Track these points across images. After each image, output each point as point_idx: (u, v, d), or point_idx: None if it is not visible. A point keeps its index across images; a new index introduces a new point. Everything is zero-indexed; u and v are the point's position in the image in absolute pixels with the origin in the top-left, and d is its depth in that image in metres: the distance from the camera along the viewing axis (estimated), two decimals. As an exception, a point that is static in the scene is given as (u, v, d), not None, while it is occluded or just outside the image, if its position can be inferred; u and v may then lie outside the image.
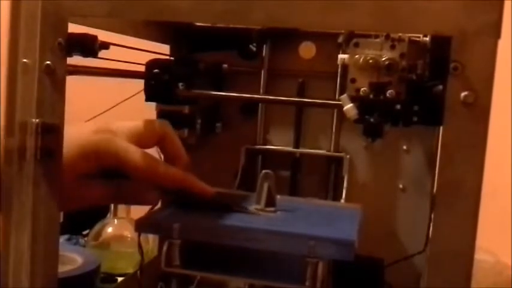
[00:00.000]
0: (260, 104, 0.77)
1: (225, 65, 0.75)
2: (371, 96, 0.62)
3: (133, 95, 0.74)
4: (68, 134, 0.43)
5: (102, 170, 0.49)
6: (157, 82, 0.68)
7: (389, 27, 0.41)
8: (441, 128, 0.36)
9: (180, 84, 0.68)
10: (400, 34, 0.62)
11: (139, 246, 0.51)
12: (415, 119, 0.61)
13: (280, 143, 0.78)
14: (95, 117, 0.78)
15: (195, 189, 0.51)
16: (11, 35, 0.39)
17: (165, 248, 0.46)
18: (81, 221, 0.96)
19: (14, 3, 0.39)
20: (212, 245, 0.46)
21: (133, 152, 0.49)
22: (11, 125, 0.39)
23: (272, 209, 0.52)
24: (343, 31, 0.69)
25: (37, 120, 0.39)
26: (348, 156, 0.74)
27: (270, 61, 0.76)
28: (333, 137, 0.75)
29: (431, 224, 0.39)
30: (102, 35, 0.54)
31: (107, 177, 0.50)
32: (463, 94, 0.34)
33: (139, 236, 0.51)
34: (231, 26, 0.70)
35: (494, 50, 0.34)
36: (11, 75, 0.39)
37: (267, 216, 0.51)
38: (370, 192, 0.75)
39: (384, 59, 0.62)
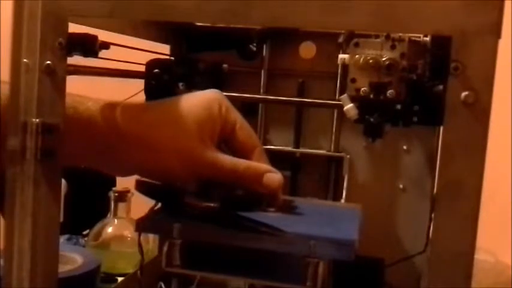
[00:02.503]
0: (260, 104, 0.77)
1: (225, 65, 0.75)
2: (371, 96, 0.62)
3: (134, 95, 0.74)
4: (188, 98, 0.48)
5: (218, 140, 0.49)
6: (158, 82, 0.68)
7: (389, 27, 0.41)
8: (441, 128, 0.36)
9: (180, 84, 0.68)
10: (400, 34, 0.62)
11: (140, 246, 0.51)
12: (415, 119, 0.61)
13: (280, 143, 0.78)
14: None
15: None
16: (14, 35, 0.39)
17: (165, 248, 0.45)
18: (81, 220, 0.96)
19: (16, 3, 0.39)
20: (212, 245, 0.46)
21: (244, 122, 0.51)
22: (14, 124, 0.39)
23: (272, 209, 0.52)
24: (343, 31, 0.69)
25: (37, 120, 0.39)
26: (348, 156, 0.74)
27: (270, 61, 0.76)
28: (333, 137, 0.75)
29: (431, 224, 0.39)
30: (102, 35, 0.54)
31: None
32: (463, 94, 0.34)
33: (139, 236, 0.50)
34: (231, 26, 0.70)
35: (495, 50, 0.34)
36: (14, 75, 0.39)
37: (267, 216, 0.51)
38: (370, 192, 0.75)
39: (384, 59, 0.62)
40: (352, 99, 0.62)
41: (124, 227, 0.88)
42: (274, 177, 0.49)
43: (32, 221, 0.40)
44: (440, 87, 0.58)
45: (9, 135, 0.39)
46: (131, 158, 0.48)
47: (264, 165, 0.50)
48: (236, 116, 0.51)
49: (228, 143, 0.51)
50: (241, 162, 0.49)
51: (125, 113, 0.48)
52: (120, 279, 0.81)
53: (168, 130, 0.48)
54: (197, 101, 0.49)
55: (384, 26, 0.38)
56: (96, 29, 0.53)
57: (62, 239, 0.92)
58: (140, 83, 0.69)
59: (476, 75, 0.34)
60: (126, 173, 0.52)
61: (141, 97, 0.69)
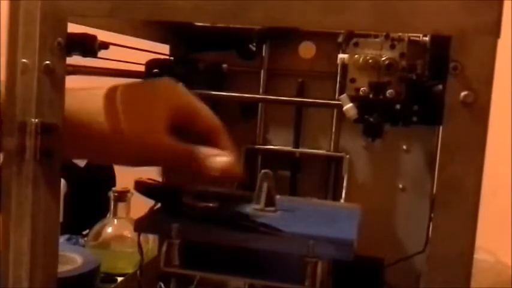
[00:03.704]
0: (260, 104, 0.77)
1: (225, 65, 0.75)
2: (371, 96, 0.62)
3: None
4: (143, 85, 0.48)
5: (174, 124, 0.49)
6: (157, 82, 0.68)
7: (389, 27, 0.41)
8: (441, 128, 0.36)
9: (180, 84, 0.68)
10: (399, 34, 0.62)
11: (139, 246, 0.51)
12: (414, 118, 0.61)
13: (280, 142, 0.78)
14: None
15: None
16: (10, 35, 0.39)
17: (164, 248, 0.45)
18: (81, 220, 0.96)
19: (12, 3, 0.39)
20: (212, 245, 0.46)
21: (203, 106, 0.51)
22: (11, 125, 0.39)
23: (272, 208, 0.52)
24: (343, 31, 0.69)
25: (36, 120, 0.39)
26: (347, 156, 0.74)
27: (270, 61, 0.76)
28: (333, 137, 0.75)
29: (430, 224, 0.39)
30: (102, 35, 0.54)
31: None
32: (462, 94, 0.34)
33: (139, 236, 0.51)
34: (231, 26, 0.70)
35: (494, 50, 0.34)
36: (10, 75, 0.39)
37: (266, 216, 0.51)
38: (370, 192, 0.75)
39: (383, 58, 0.62)
40: (352, 99, 0.62)
41: (124, 227, 0.88)
42: (217, 161, 0.48)
43: (31, 221, 0.40)
44: (440, 87, 0.58)
45: (6, 135, 0.39)
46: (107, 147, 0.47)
47: (211, 150, 0.48)
48: (190, 101, 0.50)
49: (186, 128, 0.50)
50: (192, 147, 0.48)
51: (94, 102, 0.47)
52: (120, 279, 0.81)
53: (126, 116, 0.46)
54: (151, 88, 0.49)
55: (384, 25, 0.38)
56: (96, 29, 0.54)
57: (62, 239, 0.92)
58: (140, 83, 0.69)
59: (475, 74, 0.34)
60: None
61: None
